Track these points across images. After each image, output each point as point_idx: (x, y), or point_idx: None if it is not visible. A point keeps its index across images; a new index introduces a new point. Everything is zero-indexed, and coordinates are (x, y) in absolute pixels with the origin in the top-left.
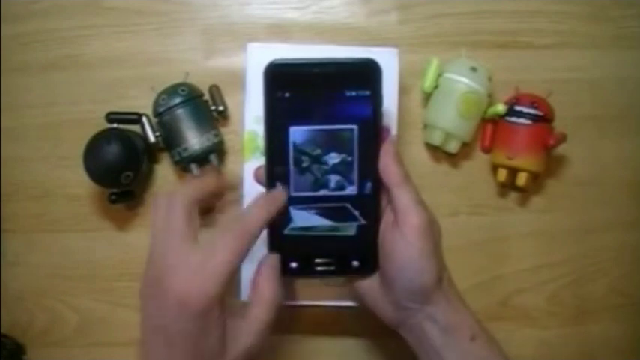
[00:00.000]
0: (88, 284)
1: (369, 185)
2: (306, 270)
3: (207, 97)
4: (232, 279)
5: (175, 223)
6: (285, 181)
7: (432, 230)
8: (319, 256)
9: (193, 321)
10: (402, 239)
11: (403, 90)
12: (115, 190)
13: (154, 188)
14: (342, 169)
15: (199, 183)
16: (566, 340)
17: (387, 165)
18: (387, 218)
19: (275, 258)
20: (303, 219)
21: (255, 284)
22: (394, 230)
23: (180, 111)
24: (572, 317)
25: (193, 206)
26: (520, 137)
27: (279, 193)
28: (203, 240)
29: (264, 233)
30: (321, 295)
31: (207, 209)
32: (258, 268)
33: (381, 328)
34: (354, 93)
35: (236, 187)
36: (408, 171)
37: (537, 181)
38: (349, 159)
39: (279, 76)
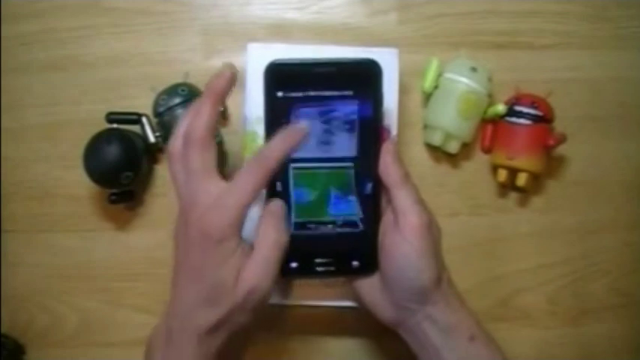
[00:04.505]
0: (88, 284)
1: (369, 185)
2: (307, 270)
3: None
4: (247, 211)
5: (192, 163)
6: (286, 181)
7: (432, 230)
8: (319, 256)
9: (213, 250)
10: (402, 239)
11: (403, 90)
12: (114, 190)
13: (154, 188)
14: (342, 169)
15: (203, 116)
16: (566, 340)
17: (387, 165)
18: (386, 218)
19: (277, 204)
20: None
21: (258, 229)
22: (394, 230)
23: (180, 111)
24: (572, 317)
25: (205, 141)
26: (520, 137)
27: (301, 127)
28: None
29: None
30: (321, 295)
31: None
32: (261, 216)
33: (381, 328)
34: (354, 93)
35: (233, 77)
36: (408, 171)
37: (537, 181)
38: (349, 159)
39: (279, 75)
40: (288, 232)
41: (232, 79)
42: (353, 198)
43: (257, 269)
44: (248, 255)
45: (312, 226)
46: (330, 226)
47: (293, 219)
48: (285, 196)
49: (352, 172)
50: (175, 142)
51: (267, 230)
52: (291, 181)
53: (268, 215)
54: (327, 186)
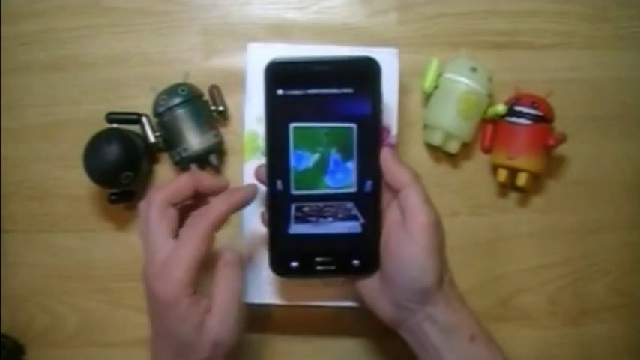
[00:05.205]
0: (88, 284)
1: (368, 184)
2: (307, 269)
3: (207, 97)
4: (198, 270)
5: (150, 223)
6: (286, 180)
7: (439, 230)
8: (320, 256)
9: (166, 312)
10: (409, 238)
11: (403, 90)
12: (114, 190)
13: None
14: (342, 167)
15: (172, 185)
16: (566, 340)
17: (392, 170)
18: (393, 217)
19: (229, 255)
20: (304, 218)
21: (213, 281)
22: (400, 229)
23: (180, 111)
24: (572, 317)
25: (165, 206)
26: (520, 137)
27: (248, 186)
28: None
29: (265, 232)
30: (321, 295)
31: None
32: (216, 268)
33: (381, 328)
34: (353, 91)
35: (222, 190)
36: (416, 171)
37: (537, 181)
38: (349, 157)
39: (279, 74)
40: (241, 279)
41: (219, 190)
42: (352, 165)
43: (216, 321)
44: (207, 308)
45: (313, 219)
46: (330, 218)
47: (291, 190)
48: (283, 166)
49: (354, 133)
50: (143, 201)
51: (220, 282)
52: (291, 142)
53: (221, 266)
54: (328, 148)
